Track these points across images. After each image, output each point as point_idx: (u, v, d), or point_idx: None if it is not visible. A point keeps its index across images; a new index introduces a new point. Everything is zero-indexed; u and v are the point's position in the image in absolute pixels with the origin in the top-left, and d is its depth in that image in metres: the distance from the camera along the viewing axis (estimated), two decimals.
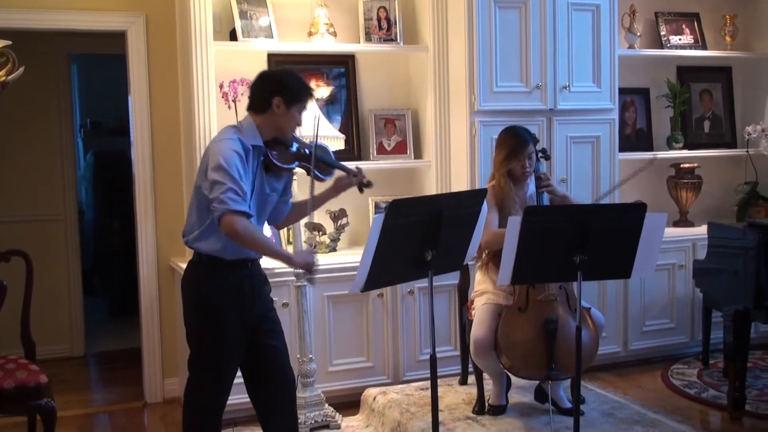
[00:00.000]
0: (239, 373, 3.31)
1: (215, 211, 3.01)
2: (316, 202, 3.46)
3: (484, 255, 4.10)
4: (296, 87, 3.23)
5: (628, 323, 5.29)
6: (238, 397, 3.56)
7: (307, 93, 3.27)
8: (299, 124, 3.30)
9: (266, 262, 3.47)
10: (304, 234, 4.61)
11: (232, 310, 3.17)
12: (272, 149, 3.24)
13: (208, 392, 3.24)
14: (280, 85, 3.21)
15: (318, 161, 3.35)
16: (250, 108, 3.26)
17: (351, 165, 3.51)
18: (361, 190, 3.46)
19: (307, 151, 3.34)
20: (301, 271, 3.59)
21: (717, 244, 4.72)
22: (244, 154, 3.10)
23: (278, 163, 3.24)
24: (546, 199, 4.11)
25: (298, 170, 3.45)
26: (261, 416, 3.36)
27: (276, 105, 3.18)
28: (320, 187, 3.46)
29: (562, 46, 4.95)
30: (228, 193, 2.99)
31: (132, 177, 4.99)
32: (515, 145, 4.07)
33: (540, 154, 4.23)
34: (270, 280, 3.44)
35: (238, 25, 4.72)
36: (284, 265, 3.64)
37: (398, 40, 5.07)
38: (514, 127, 4.20)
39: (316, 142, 3.42)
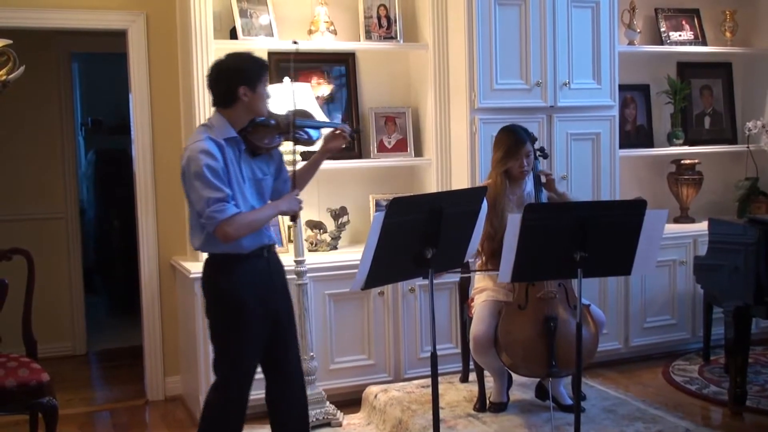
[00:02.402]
0: None
1: (208, 227, 3.08)
2: (310, 167, 3.51)
3: (482, 257, 4.11)
4: (254, 69, 3.21)
5: (629, 320, 5.29)
6: None
7: (265, 68, 3.25)
8: (269, 96, 3.30)
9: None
10: (305, 232, 4.62)
11: (254, 302, 3.18)
12: (251, 133, 3.25)
13: (237, 389, 3.22)
14: (239, 74, 3.19)
15: (301, 126, 3.41)
16: (217, 104, 3.24)
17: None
18: (353, 139, 3.46)
19: (286, 121, 3.37)
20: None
21: (717, 240, 4.72)
22: (217, 150, 3.10)
23: (261, 144, 3.25)
24: (544, 197, 4.11)
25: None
26: (270, 410, 3.40)
27: (243, 94, 3.17)
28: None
29: (562, 43, 4.95)
30: (212, 206, 3.04)
31: (133, 175, 5.00)
32: (512, 144, 4.06)
33: (538, 153, 4.23)
34: None
35: (239, 23, 4.72)
36: (287, 264, 3.64)
37: (398, 38, 5.07)
38: (512, 125, 4.20)
39: (294, 110, 3.44)
